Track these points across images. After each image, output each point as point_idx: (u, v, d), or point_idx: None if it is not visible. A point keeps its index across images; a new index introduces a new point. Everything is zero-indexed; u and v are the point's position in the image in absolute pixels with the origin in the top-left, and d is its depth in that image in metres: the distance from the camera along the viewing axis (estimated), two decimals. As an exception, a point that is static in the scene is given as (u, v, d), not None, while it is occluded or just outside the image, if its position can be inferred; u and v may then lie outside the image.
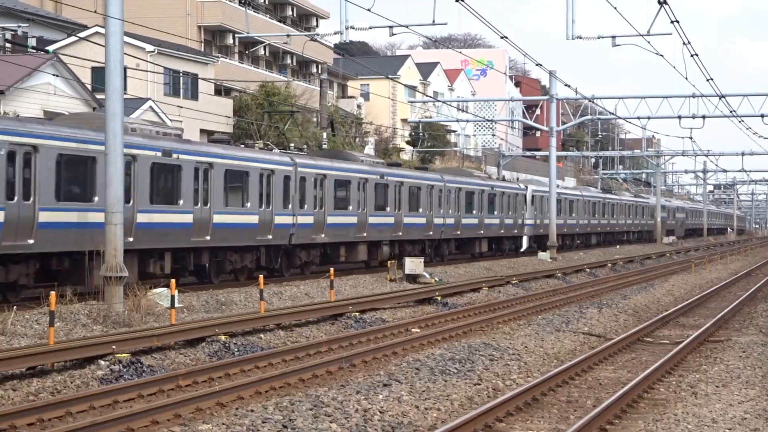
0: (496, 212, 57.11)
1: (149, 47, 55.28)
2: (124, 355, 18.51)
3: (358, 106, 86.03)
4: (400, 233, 44.73)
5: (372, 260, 43.32)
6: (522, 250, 62.43)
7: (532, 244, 63.82)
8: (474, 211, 53.84)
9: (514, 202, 60.14)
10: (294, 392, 16.45)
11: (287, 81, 68.47)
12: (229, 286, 32.22)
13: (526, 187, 64.13)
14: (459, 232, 51.69)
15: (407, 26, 39.17)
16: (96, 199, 27.06)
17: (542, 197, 65.15)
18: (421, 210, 47.07)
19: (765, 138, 75.27)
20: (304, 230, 37.17)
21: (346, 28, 39.01)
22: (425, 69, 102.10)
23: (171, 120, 51.53)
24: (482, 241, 55.89)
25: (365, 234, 41.54)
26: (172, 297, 23.17)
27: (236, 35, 65.88)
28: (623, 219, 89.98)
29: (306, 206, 37.18)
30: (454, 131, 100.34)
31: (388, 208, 43.72)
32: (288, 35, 47.48)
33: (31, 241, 25.36)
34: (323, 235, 38.32)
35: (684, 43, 36.77)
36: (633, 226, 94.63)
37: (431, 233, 48.14)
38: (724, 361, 20.42)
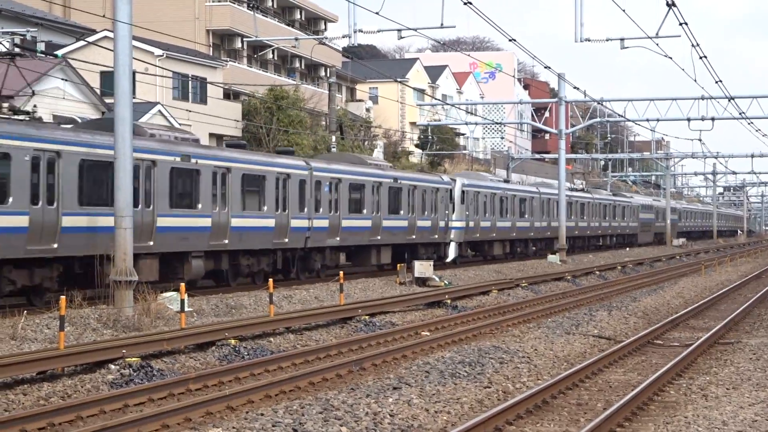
0: (402, 212, 44.48)
1: (158, 51, 55.39)
2: (134, 359, 18.53)
3: (367, 110, 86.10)
4: (226, 240, 32.47)
5: (173, 278, 30.32)
6: (449, 260, 50.22)
7: (466, 252, 53.14)
8: (365, 211, 41.28)
9: (433, 199, 47.61)
10: (304, 396, 16.46)
11: (296, 84, 68.53)
12: (239, 289, 32.26)
13: (454, 181, 51.42)
14: (338, 239, 39.20)
15: (415, 29, 39.20)
16: None
17: (478, 194, 53.44)
18: (266, 209, 34.63)
19: (774, 140, 75.10)
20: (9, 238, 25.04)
21: (355, 32, 39.06)
22: (434, 72, 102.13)
23: (180, 124, 51.63)
24: (381, 249, 42.96)
25: (152, 243, 29.22)
26: (182, 301, 23.19)
27: (245, 39, 65.94)
28: (597, 221, 77.02)
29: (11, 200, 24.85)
30: (463, 134, 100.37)
31: (199, 205, 31.40)
32: (296, 39, 47.59)
33: None
34: (56, 245, 26.02)
35: (693, 45, 36.76)
36: (610, 230, 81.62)
37: (286, 240, 35.79)
38: (734, 363, 20.39)
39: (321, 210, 38.06)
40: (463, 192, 51.35)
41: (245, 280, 34.89)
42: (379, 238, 42.39)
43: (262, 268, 35.18)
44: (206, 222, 31.68)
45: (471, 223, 52.10)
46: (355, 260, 42.28)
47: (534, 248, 63.65)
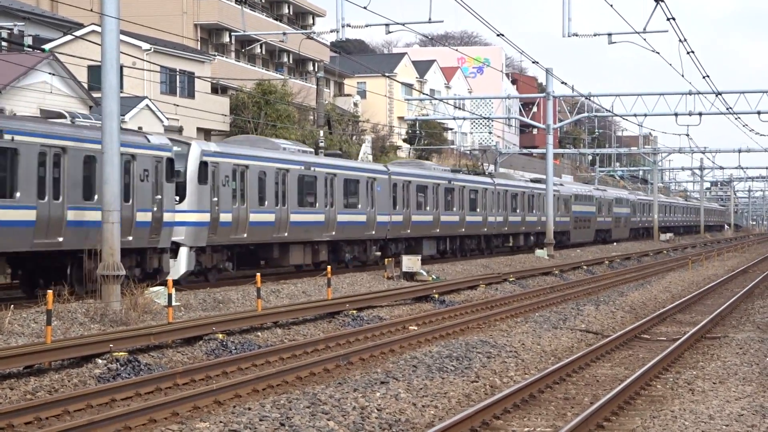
0: (19, 195, 25.06)
1: (146, 46, 55.26)
2: (121, 353, 18.51)
3: (355, 104, 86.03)
4: None
5: None
6: (177, 276, 29.77)
7: (224, 263, 33.68)
8: None
9: (124, 175, 27.13)
10: (291, 390, 16.46)
11: (284, 79, 68.45)
12: (227, 284, 32.22)
13: (187, 146, 31.95)
14: None
15: (404, 24, 39.20)
16: None
17: (245, 169, 34.07)
18: None
19: (761, 135, 75.31)
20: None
21: (343, 26, 39.00)
22: (422, 67, 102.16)
23: (168, 118, 51.56)
24: None
25: None
26: (169, 295, 23.16)
27: (233, 33, 65.80)
28: (500, 215, 58.44)
29: None
30: (451, 129, 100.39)
31: None
32: (284, 33, 47.55)
33: None
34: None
35: (680, 41, 36.83)
36: (524, 226, 62.46)
37: None
38: (721, 357, 20.43)
39: None
40: (204, 165, 32.05)
41: None
42: None
43: None
44: None
45: (226, 217, 32.99)
46: None
47: (379, 253, 44.77)
